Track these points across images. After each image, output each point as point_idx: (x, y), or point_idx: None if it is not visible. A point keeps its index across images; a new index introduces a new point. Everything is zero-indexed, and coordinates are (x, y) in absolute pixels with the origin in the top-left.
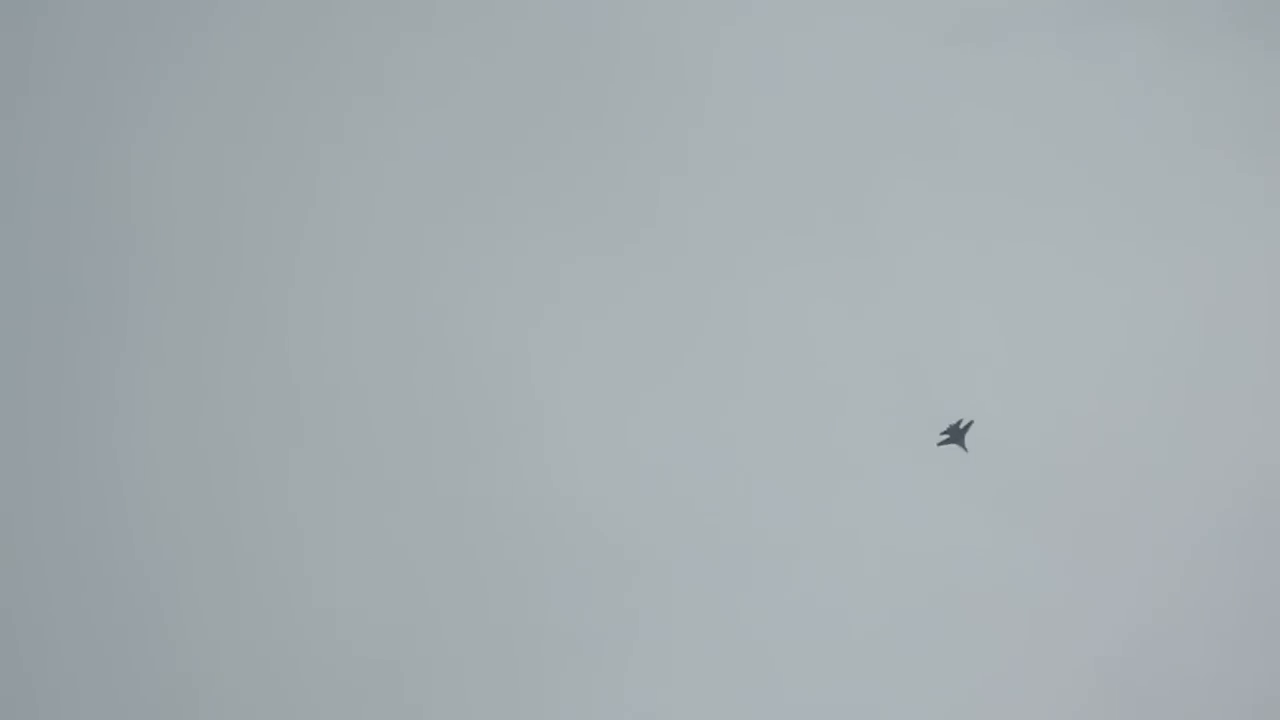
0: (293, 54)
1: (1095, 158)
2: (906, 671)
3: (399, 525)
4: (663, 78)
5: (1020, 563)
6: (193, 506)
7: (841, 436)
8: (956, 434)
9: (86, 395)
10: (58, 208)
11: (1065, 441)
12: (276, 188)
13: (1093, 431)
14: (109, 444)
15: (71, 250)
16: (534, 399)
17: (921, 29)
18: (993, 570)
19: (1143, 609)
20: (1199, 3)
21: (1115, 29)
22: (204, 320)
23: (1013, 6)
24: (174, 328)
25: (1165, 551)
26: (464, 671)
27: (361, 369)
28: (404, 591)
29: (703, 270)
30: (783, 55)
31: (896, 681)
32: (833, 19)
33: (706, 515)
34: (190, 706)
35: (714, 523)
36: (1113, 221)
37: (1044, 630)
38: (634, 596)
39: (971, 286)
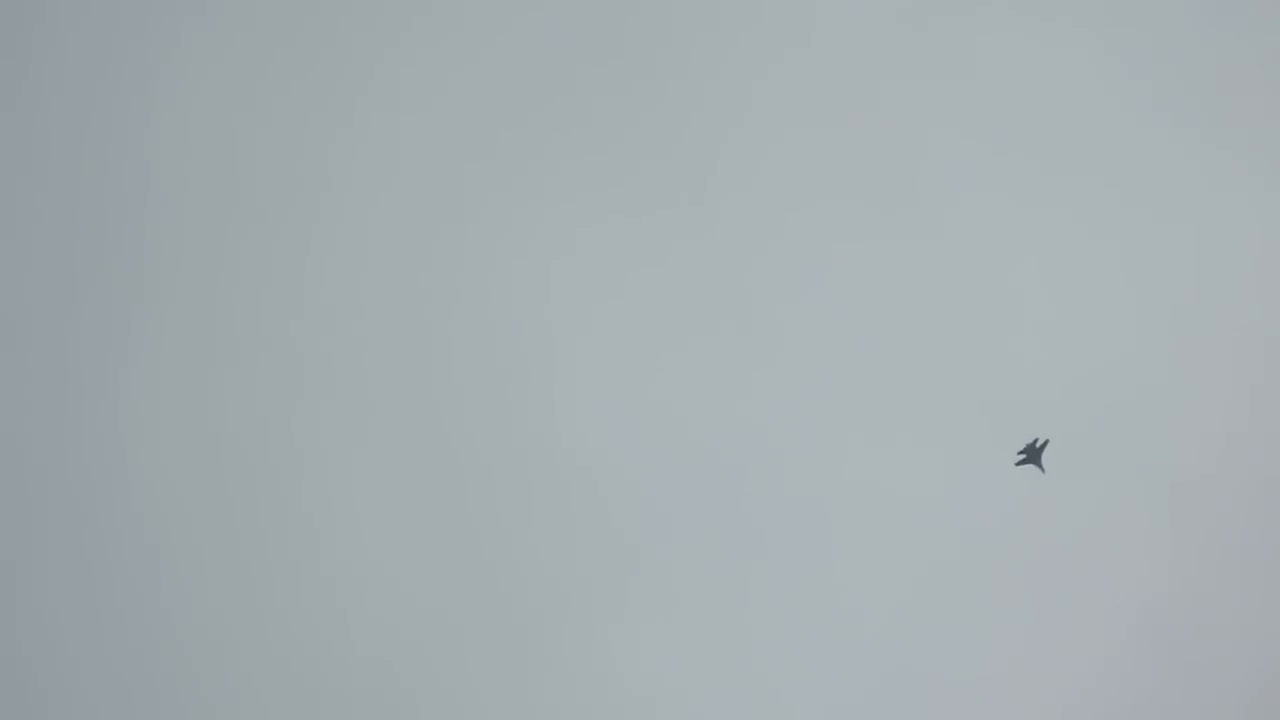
0: (319, 6)
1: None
2: (933, 634)
3: (403, 484)
4: (704, 40)
5: (1057, 517)
6: (196, 454)
7: (869, 401)
8: (1033, 453)
9: (91, 360)
10: (67, 171)
11: (1103, 399)
12: (297, 140)
13: (1130, 388)
14: (114, 410)
15: (80, 217)
16: (553, 354)
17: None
18: (1029, 527)
19: (1184, 559)
20: None
21: None
22: (216, 273)
23: None
24: (185, 281)
25: (1205, 504)
26: (459, 631)
27: (375, 317)
28: (402, 553)
29: (736, 234)
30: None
31: (923, 643)
32: None
33: (724, 480)
34: (181, 650)
35: (731, 487)
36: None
37: (1081, 583)
38: (641, 564)
39: (1005, 254)
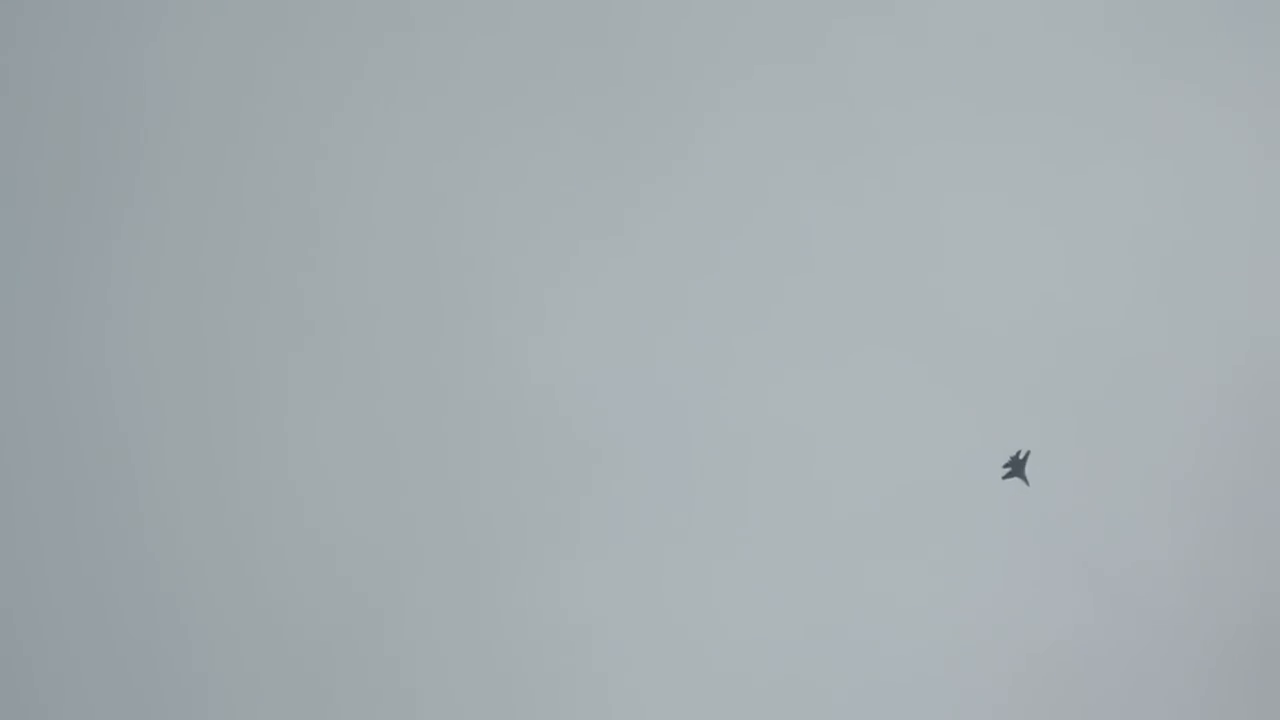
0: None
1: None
2: (883, 580)
3: (375, 401)
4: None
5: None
6: (180, 364)
7: (831, 337)
8: (1017, 465)
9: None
10: (67, 88)
11: (1061, 343)
12: (304, 80)
13: (1089, 331)
14: (104, 302)
15: (79, 130)
16: (537, 299)
17: None
18: (979, 475)
19: (1135, 513)
20: None
21: None
22: (215, 195)
23: None
24: (182, 194)
25: (1162, 455)
26: (415, 545)
27: (373, 246)
28: (375, 475)
29: (706, 187)
30: None
31: (873, 592)
32: None
33: (688, 418)
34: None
35: (694, 426)
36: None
37: (1033, 535)
38: (604, 491)
39: (961, 191)
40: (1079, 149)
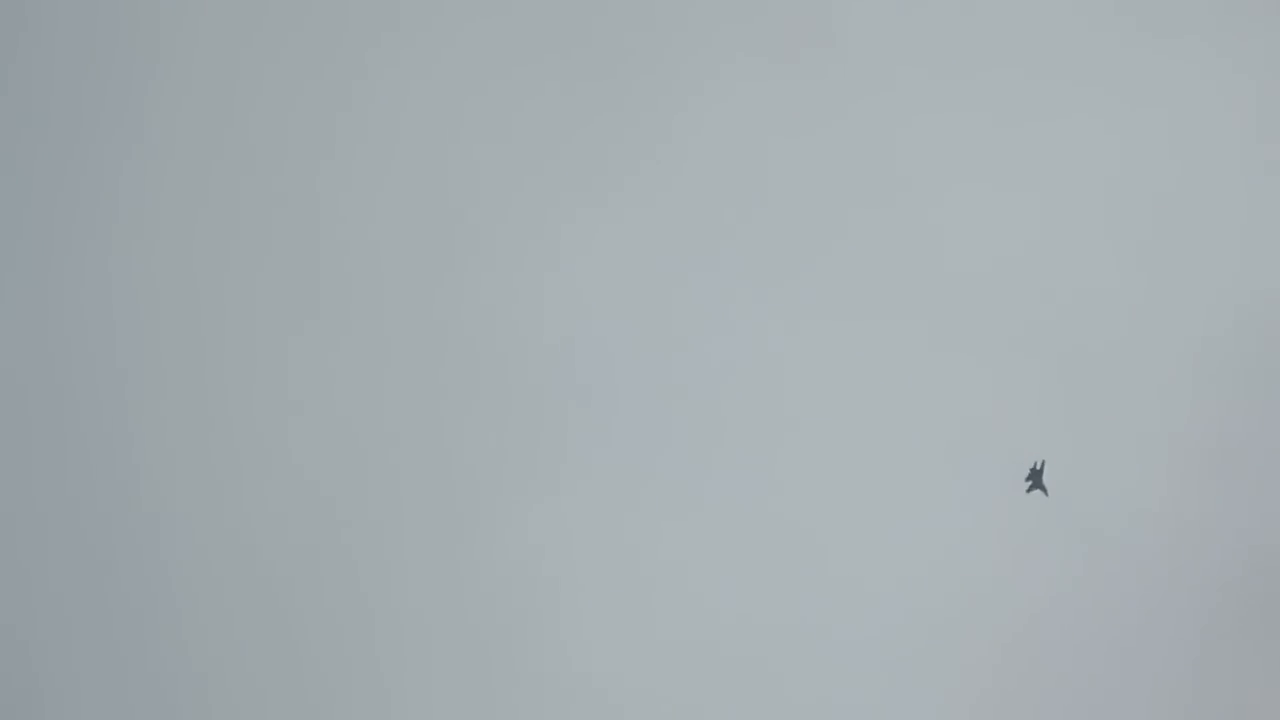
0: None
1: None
2: (867, 532)
3: (365, 336)
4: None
5: (1012, 422)
6: (177, 303)
7: (821, 292)
8: (1036, 476)
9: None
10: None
11: (1053, 298)
12: (313, 50)
13: (1081, 284)
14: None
15: (81, 125)
16: (528, 254)
17: None
18: (970, 429)
19: (1128, 466)
20: None
21: None
22: (225, 132)
23: None
24: (187, 133)
25: (1152, 409)
26: (402, 505)
27: (375, 212)
28: (364, 416)
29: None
30: None
31: (844, 546)
32: None
33: (673, 370)
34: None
35: (680, 377)
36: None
37: (1025, 488)
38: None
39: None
40: (1065, 107)
